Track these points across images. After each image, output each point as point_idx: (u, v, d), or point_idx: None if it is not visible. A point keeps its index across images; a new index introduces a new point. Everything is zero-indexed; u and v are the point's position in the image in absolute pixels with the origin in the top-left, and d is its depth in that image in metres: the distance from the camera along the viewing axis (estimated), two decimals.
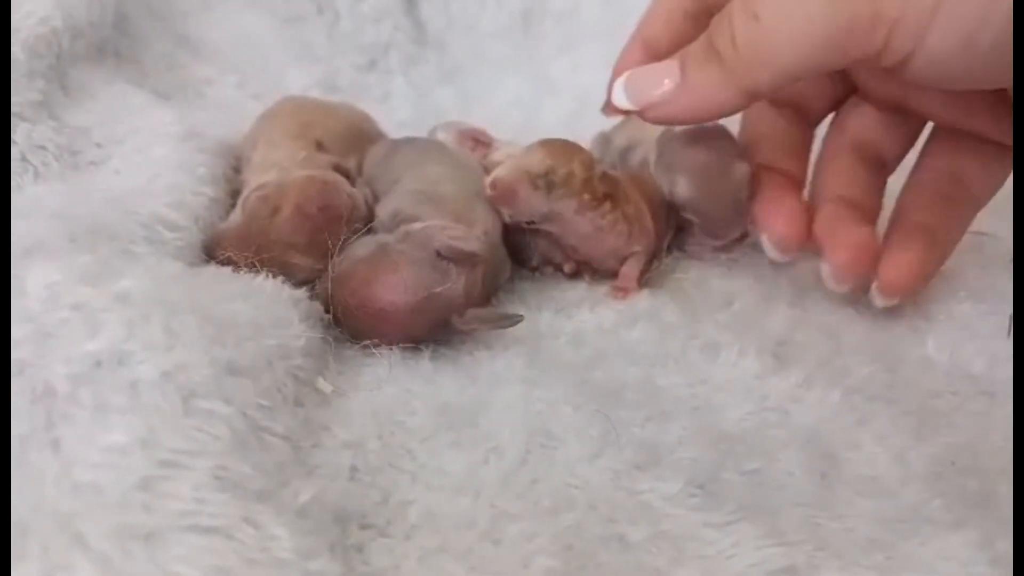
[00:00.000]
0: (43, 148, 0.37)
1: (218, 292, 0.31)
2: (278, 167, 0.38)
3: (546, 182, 0.37)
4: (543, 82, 0.62)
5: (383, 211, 0.39)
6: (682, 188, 0.41)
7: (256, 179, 0.39)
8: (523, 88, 0.62)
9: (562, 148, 0.38)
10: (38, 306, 0.26)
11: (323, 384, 0.32)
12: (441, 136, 0.48)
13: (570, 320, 0.38)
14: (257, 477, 0.24)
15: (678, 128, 0.41)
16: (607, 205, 0.38)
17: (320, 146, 0.41)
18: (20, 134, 0.37)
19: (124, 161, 0.38)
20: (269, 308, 0.32)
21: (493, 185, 0.37)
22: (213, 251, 0.36)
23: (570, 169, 0.37)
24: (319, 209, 0.35)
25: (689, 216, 0.42)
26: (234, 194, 0.41)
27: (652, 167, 0.43)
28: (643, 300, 0.39)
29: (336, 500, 0.26)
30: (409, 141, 0.44)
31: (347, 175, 0.39)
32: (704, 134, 0.41)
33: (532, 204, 0.37)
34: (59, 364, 0.24)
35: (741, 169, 0.40)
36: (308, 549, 0.22)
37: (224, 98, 0.51)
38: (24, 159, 0.36)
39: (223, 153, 0.42)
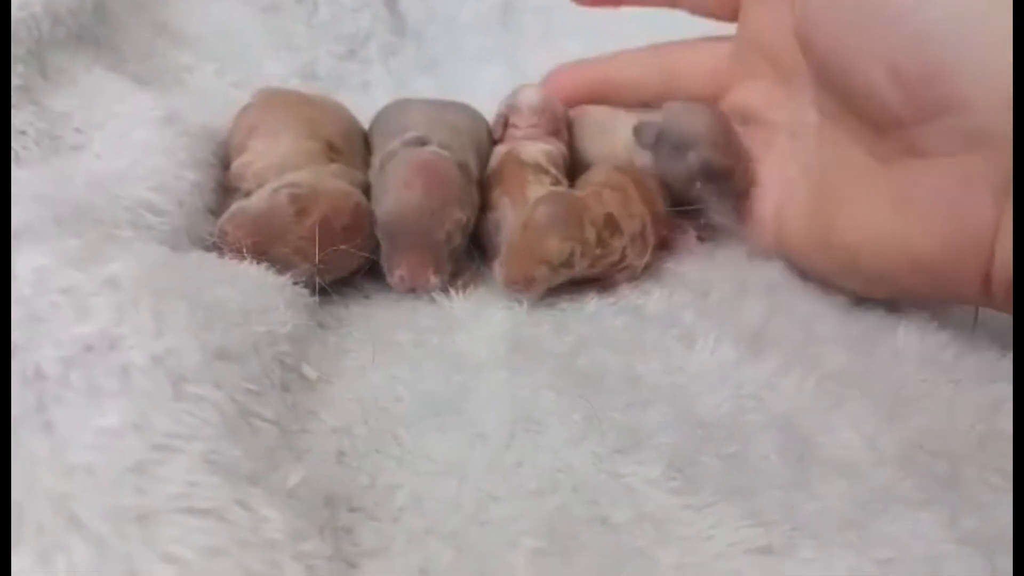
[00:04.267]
0: (23, 133, 0.37)
1: (205, 277, 0.31)
2: (309, 169, 0.38)
3: (565, 265, 0.38)
4: (521, 74, 0.62)
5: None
6: (703, 155, 0.41)
7: (275, 169, 0.39)
8: (502, 80, 0.62)
9: (572, 217, 0.38)
10: (28, 290, 0.26)
11: (309, 370, 0.32)
12: None
13: (552, 308, 0.39)
14: (247, 461, 0.24)
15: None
16: (615, 240, 0.39)
17: (332, 147, 0.41)
18: None
19: (105, 145, 0.38)
20: (255, 294, 0.32)
21: (510, 278, 0.37)
22: (224, 228, 0.36)
23: (583, 238, 0.37)
24: (343, 228, 0.36)
25: (707, 189, 0.42)
26: (223, 184, 0.41)
27: (640, 156, 0.43)
28: (624, 289, 0.40)
29: (325, 484, 0.26)
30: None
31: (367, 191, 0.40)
32: (688, 105, 0.42)
33: (548, 282, 0.38)
34: (50, 347, 0.24)
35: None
36: (299, 530, 0.22)
37: (203, 86, 0.51)
38: None
39: (205, 138, 0.42)
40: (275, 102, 0.45)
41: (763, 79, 0.43)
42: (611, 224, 0.39)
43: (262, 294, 0.33)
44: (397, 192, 0.38)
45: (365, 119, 0.47)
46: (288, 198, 0.36)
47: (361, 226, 0.38)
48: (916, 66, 0.32)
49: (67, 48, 0.43)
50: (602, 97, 0.49)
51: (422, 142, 0.41)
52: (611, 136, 0.47)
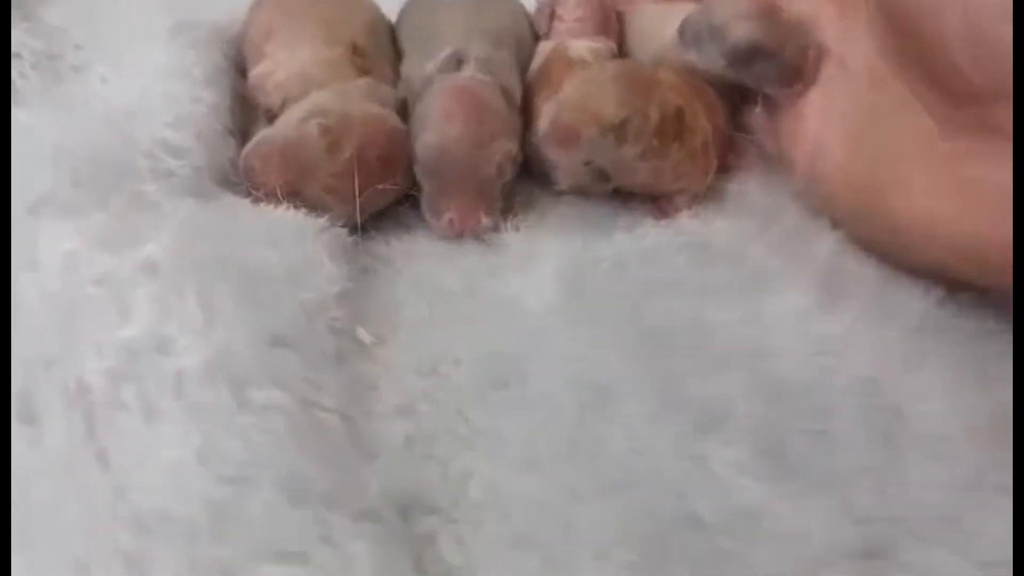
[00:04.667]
0: (18, 56, 0.32)
1: (241, 236, 0.29)
2: (335, 88, 0.35)
3: (617, 134, 0.33)
4: None
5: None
6: (742, 33, 0.36)
7: (298, 80, 0.35)
8: None
9: (641, 86, 0.34)
10: (57, 281, 0.23)
11: (363, 334, 0.30)
12: None
13: (609, 243, 0.36)
14: (321, 475, 0.22)
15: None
16: (675, 146, 0.35)
17: (356, 50, 0.37)
18: None
19: (110, 66, 0.34)
20: (296, 249, 0.30)
21: (555, 125, 0.33)
22: (251, 163, 0.32)
23: (646, 113, 0.33)
24: (378, 158, 0.33)
25: (754, 72, 0.37)
26: (239, 93, 0.37)
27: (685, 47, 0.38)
28: (684, 218, 0.37)
29: (398, 483, 0.24)
30: None
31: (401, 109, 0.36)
32: None
33: (592, 151, 0.34)
34: (91, 355, 0.22)
35: None
36: (386, 563, 0.21)
37: None
38: None
39: (216, 42, 0.38)
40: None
41: None
42: (679, 121, 0.35)
43: (302, 248, 0.30)
44: (437, 126, 0.34)
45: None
46: (318, 130, 0.33)
47: (397, 155, 0.34)
48: (1001, 25, 0.26)
49: None
50: None
51: (459, 60, 0.36)
52: (663, 33, 0.42)
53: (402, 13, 0.42)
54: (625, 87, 0.34)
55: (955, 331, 0.33)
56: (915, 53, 0.31)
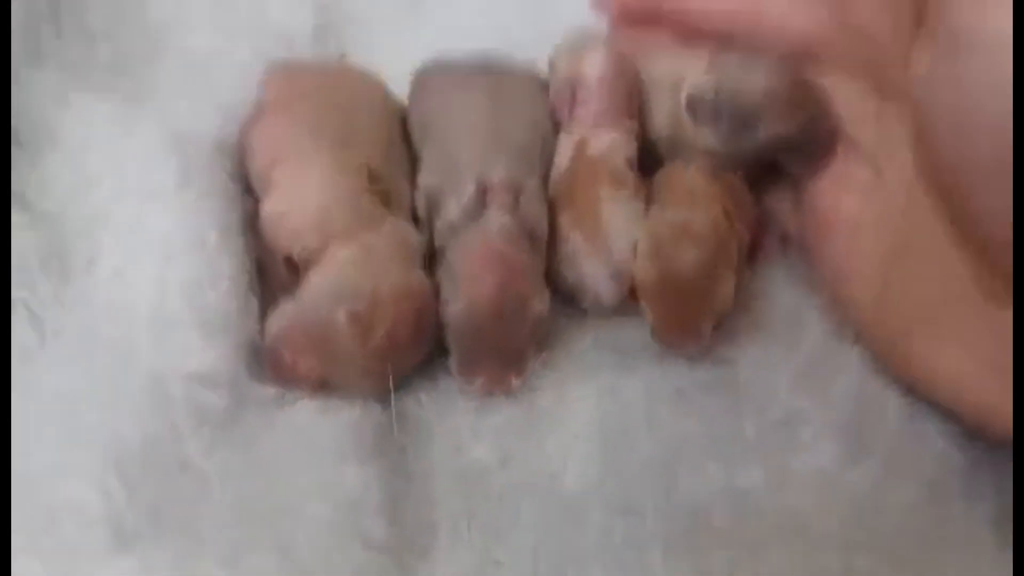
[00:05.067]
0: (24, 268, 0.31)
1: (285, 490, 0.29)
2: (361, 252, 0.34)
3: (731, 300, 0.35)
4: None
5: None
6: (780, 129, 0.35)
7: (315, 230, 0.34)
8: None
9: (726, 249, 0.35)
10: None
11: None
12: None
13: (639, 380, 0.35)
14: None
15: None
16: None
17: (372, 174, 0.36)
18: None
19: (121, 252, 0.32)
20: (335, 480, 0.30)
21: (675, 344, 0.36)
22: (278, 349, 0.33)
23: (737, 263, 0.35)
24: (410, 335, 0.33)
25: (782, 157, 0.37)
26: (249, 215, 0.36)
27: (700, 135, 0.37)
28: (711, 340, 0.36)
29: None
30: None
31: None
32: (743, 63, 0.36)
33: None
34: None
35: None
36: None
37: (192, 54, 0.41)
38: None
39: (219, 163, 0.37)
40: (293, 106, 0.38)
41: (859, 78, 0.35)
42: (729, 219, 0.35)
43: (344, 473, 0.31)
44: (466, 295, 0.33)
45: None
46: (347, 318, 0.32)
47: (428, 326, 0.34)
48: None
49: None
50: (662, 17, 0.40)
51: (483, 190, 0.35)
52: (676, 88, 0.38)
53: (412, 96, 0.40)
54: (720, 267, 0.34)
55: (976, 490, 0.33)
56: (952, 191, 0.29)
